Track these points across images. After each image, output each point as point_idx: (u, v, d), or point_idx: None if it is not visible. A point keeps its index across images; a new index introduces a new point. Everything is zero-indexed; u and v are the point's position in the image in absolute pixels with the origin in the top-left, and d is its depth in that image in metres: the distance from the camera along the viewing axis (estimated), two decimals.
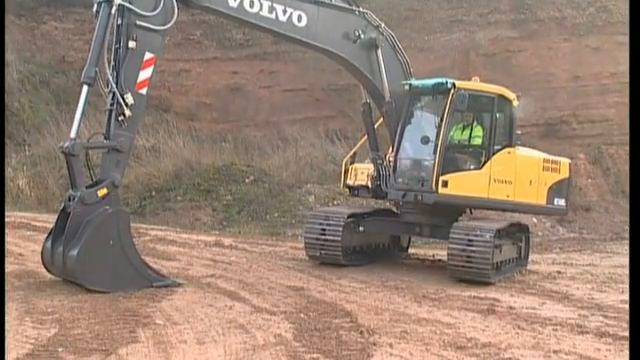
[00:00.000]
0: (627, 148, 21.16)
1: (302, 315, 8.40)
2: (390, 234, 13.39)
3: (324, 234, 11.72)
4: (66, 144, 8.63)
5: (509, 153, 11.86)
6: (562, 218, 19.28)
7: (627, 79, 21.48)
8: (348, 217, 11.89)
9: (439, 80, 11.80)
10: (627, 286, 11.14)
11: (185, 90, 25.39)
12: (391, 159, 11.94)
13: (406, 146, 12.08)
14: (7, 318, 7.26)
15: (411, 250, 14.56)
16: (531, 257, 13.58)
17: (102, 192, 8.80)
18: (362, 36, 11.53)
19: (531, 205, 12.33)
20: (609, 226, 19.54)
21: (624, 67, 21.50)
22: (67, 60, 25.56)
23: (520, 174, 11.90)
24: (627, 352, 7.37)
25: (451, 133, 11.74)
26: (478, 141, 11.85)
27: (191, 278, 10.51)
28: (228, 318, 8.13)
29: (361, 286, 10.46)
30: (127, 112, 9.04)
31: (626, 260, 13.90)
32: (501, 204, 12.03)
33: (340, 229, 11.64)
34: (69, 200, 8.74)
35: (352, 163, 13.09)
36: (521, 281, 11.51)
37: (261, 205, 18.18)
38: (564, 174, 12.61)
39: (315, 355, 6.87)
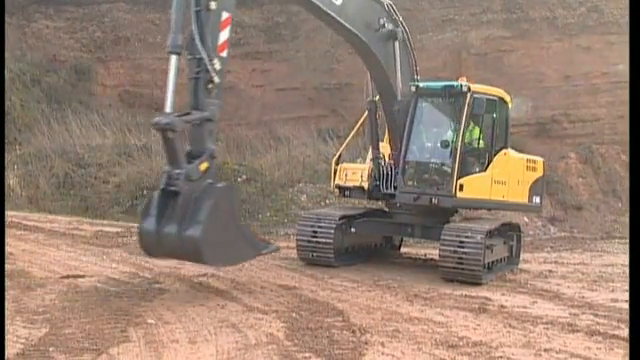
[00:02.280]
0: (617, 147, 21.30)
1: (294, 314, 8.40)
2: (382, 235, 13.30)
3: (316, 236, 11.64)
4: (163, 120, 7.90)
5: (505, 154, 12.09)
6: (553, 217, 19.39)
7: (618, 79, 21.70)
8: (340, 219, 11.80)
9: (449, 83, 11.84)
10: (618, 285, 11.22)
11: (177, 89, 25.30)
12: (393, 160, 11.87)
13: (414, 148, 11.97)
14: None
15: (403, 249, 14.59)
16: (522, 256, 13.63)
17: (204, 166, 8.25)
18: (386, 25, 11.30)
19: (518, 204, 12.66)
20: (600, 225, 19.63)
21: (615, 67, 21.65)
22: (58, 59, 25.46)
23: (512, 175, 12.17)
24: (617, 350, 7.42)
25: (453, 135, 11.71)
26: (482, 144, 11.93)
27: (183, 277, 10.49)
28: (220, 317, 8.12)
29: (353, 285, 10.47)
30: (216, 79, 8.36)
31: (616, 259, 14.02)
32: (499, 205, 12.34)
33: (332, 231, 11.58)
34: (170, 178, 8.11)
35: (339, 163, 12.80)
36: (512, 280, 11.55)
37: (253, 204, 18.14)
38: (540, 172, 13.01)
39: (307, 354, 6.87)
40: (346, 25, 10.59)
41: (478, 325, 8.32)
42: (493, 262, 11.57)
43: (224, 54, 8.59)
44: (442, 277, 10.95)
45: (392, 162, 11.92)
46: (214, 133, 8.57)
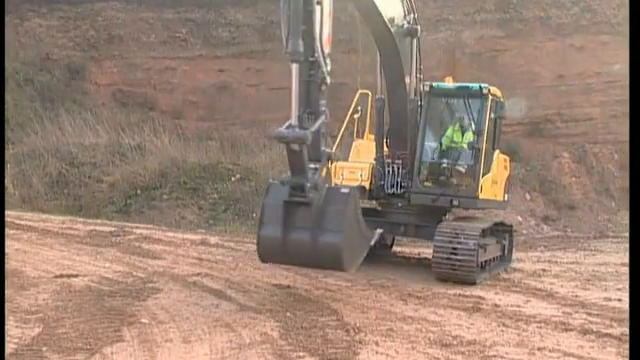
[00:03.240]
0: (610, 147, 21.39)
1: (288, 313, 8.40)
2: None
3: None
4: (292, 134, 7.60)
5: (497, 154, 12.28)
6: (547, 216, 19.46)
7: (611, 78, 21.78)
8: None
9: (464, 84, 12.11)
10: (610, 284, 11.27)
11: (171, 88, 25.29)
12: (401, 160, 11.73)
13: (427, 149, 11.94)
14: None
15: (397, 248, 14.60)
16: (516, 255, 13.69)
17: (324, 172, 8.25)
18: (410, 21, 11.19)
19: (498, 202, 12.74)
20: (593, 224, 19.72)
21: (608, 67, 21.73)
22: (51, 57, 25.39)
23: (499, 174, 12.38)
24: (610, 349, 7.45)
25: (474, 137, 11.72)
26: (486, 145, 11.87)
27: (177, 277, 10.48)
28: (214, 317, 8.12)
29: (347, 284, 10.48)
30: (328, 79, 8.12)
31: (609, 258, 14.08)
32: (493, 204, 12.54)
33: None
34: (294, 190, 7.92)
35: (332, 162, 12.66)
36: (506, 279, 11.58)
37: (247, 204, 18.14)
38: (509, 170, 13.29)
39: (301, 353, 6.87)
40: (384, 17, 10.20)
41: (472, 324, 8.34)
42: (486, 262, 11.57)
43: (328, 50, 8.17)
44: (436, 277, 10.93)
45: (389, 161, 11.80)
46: (326, 134, 8.42)
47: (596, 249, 15.94)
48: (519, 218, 18.65)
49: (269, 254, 8.52)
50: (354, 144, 12.91)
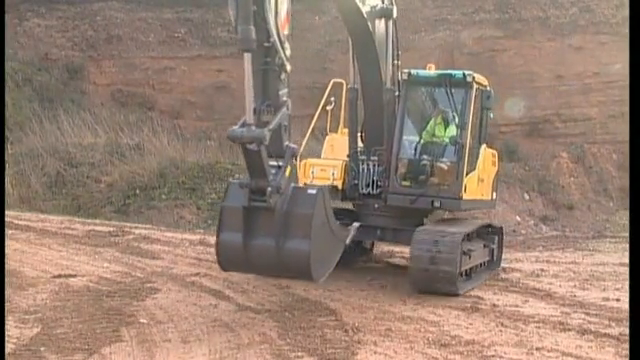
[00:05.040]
0: (609, 147, 21.41)
1: (287, 314, 8.40)
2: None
3: None
4: (246, 133, 6.83)
5: (484, 150, 11.32)
6: (545, 216, 19.46)
7: (610, 78, 21.81)
8: None
9: (446, 72, 10.87)
10: (609, 284, 11.27)
11: (170, 88, 25.30)
12: (378, 157, 10.59)
13: (406, 144, 10.79)
14: None
15: (396, 248, 14.55)
16: (514, 255, 13.68)
17: (288, 172, 7.33)
18: (385, 0, 10.24)
19: (485, 201, 11.82)
20: (591, 224, 19.74)
21: (607, 67, 21.76)
22: (50, 57, 25.38)
23: (486, 171, 11.44)
24: (608, 349, 7.45)
25: (457, 131, 10.59)
26: (473, 139, 10.87)
27: (175, 277, 10.47)
28: (213, 317, 8.11)
29: (346, 284, 10.47)
30: (288, 66, 7.25)
31: (607, 258, 14.09)
32: (479, 204, 11.65)
33: None
34: (254, 193, 7.13)
35: (301, 159, 10.95)
36: (504, 279, 11.58)
37: None
38: (497, 167, 12.32)
39: (300, 353, 6.87)
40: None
41: (470, 324, 8.34)
42: (471, 269, 10.60)
43: (287, 31, 7.27)
44: (413, 288, 9.82)
45: (364, 158, 10.70)
46: (289, 126, 7.45)
47: (594, 249, 15.95)
48: (518, 218, 18.67)
49: (230, 262, 7.75)
50: (327, 139, 11.92)
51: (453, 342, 7.47)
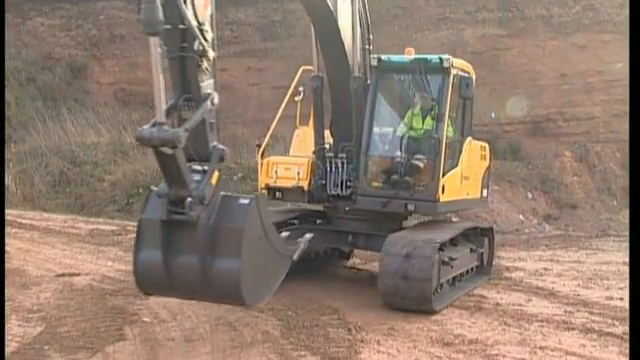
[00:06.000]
0: (612, 146, 21.36)
1: (290, 312, 8.40)
2: (315, 247, 10.13)
3: None
4: (156, 133, 5.59)
5: (469, 144, 10.16)
6: (548, 215, 19.41)
7: (613, 77, 21.76)
8: None
9: (421, 56, 9.61)
10: (612, 283, 11.25)
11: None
12: (346, 154, 9.52)
13: (377, 139, 9.69)
14: None
15: None
16: (518, 254, 13.65)
17: (215, 178, 6.19)
18: None
19: (472, 200, 10.71)
20: (595, 223, 19.67)
21: (610, 65, 21.72)
22: (53, 56, 25.44)
23: (472, 167, 10.38)
24: (612, 348, 7.45)
25: (433, 123, 9.45)
26: (452, 131, 9.72)
27: None
28: (216, 315, 8.12)
29: (349, 284, 10.48)
30: (211, 53, 6.04)
31: (611, 257, 14.05)
32: (463, 204, 10.58)
33: None
34: (174, 205, 5.95)
35: (264, 156, 10.15)
36: (508, 278, 11.56)
37: None
38: (488, 161, 11.20)
39: (303, 352, 6.88)
40: None
41: (473, 323, 8.33)
42: (455, 278, 9.61)
43: (209, 12, 6.09)
44: (384, 302, 8.74)
45: (332, 155, 9.68)
46: (215, 123, 6.27)
47: (598, 248, 15.90)
48: (521, 217, 18.63)
49: (150, 284, 6.46)
50: (296, 133, 10.89)
51: (456, 341, 7.47)
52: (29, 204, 18.66)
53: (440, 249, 8.69)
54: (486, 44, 23.63)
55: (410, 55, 9.66)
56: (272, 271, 6.67)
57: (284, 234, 7.17)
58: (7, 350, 6.51)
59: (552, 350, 7.28)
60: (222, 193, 6.25)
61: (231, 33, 25.05)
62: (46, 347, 6.75)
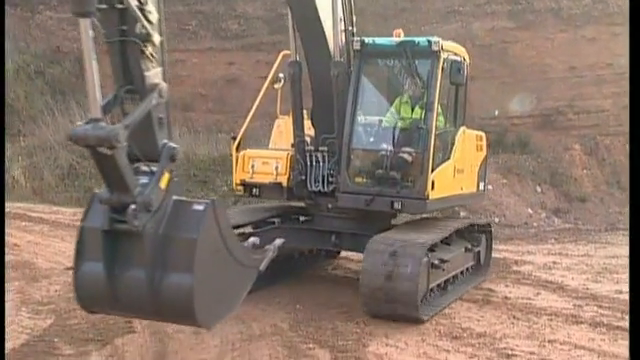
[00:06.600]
0: (622, 139, 21.24)
1: (298, 306, 8.42)
2: (298, 247, 9.80)
3: None
4: (91, 131, 4.85)
5: (464, 134, 9.53)
6: (557, 209, 19.33)
7: (623, 70, 21.57)
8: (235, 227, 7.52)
9: (409, 38, 8.84)
10: (622, 276, 11.21)
11: (180, 81, 25.25)
12: (327, 147, 8.84)
13: (360, 130, 8.91)
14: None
15: None
16: (526, 248, 13.60)
17: (165, 180, 5.34)
18: None
19: (467, 195, 10.15)
20: (604, 217, 19.57)
21: (620, 58, 21.56)
22: (62, 50, 25.46)
23: (467, 159, 9.76)
24: (621, 342, 7.42)
25: (421, 112, 8.67)
26: (441, 121, 8.92)
27: None
28: None
29: (356, 277, 10.48)
30: (156, 37, 5.19)
31: (620, 250, 13.98)
32: (457, 200, 10.00)
33: None
34: (116, 213, 5.11)
35: (239, 150, 9.62)
36: (516, 272, 11.54)
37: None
38: (484, 152, 10.65)
39: (311, 345, 6.89)
40: None
41: (482, 316, 8.33)
42: (447, 281, 9.02)
43: None
44: (366, 311, 8.01)
45: (312, 148, 9.04)
46: (166, 119, 5.46)
47: (607, 242, 15.84)
48: (529, 210, 18.57)
49: (92, 300, 5.62)
50: (276, 124, 10.40)
51: (465, 334, 7.46)
52: (38, 197, 18.74)
53: (431, 249, 8.15)
54: (495, 37, 23.49)
55: (398, 38, 8.93)
56: (233, 285, 5.84)
57: (252, 240, 6.26)
58: (17, 342, 6.56)
59: (561, 344, 7.27)
60: (175, 198, 5.40)
61: (239, 27, 25.01)
62: (56, 339, 6.79)
